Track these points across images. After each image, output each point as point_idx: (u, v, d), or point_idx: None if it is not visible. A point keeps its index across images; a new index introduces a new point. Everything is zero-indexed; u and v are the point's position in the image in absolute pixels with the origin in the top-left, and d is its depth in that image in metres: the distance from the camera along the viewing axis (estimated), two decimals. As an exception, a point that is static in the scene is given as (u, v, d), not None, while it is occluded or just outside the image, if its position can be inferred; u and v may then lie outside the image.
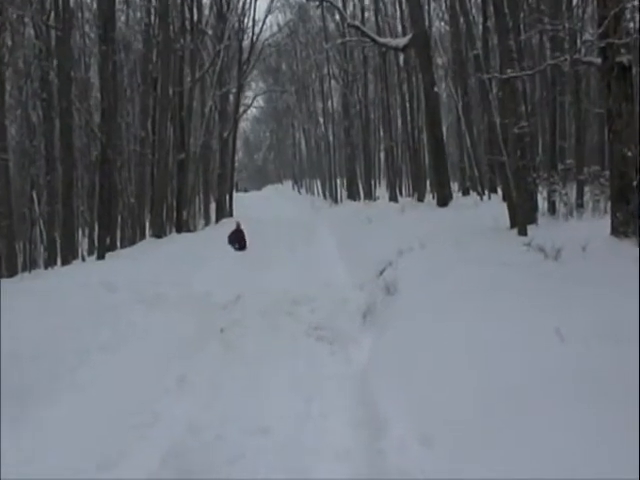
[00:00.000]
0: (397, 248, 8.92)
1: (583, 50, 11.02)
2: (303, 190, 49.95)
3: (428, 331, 5.00)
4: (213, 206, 28.39)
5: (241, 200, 32.46)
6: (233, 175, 28.15)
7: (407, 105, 26.51)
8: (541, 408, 3.13)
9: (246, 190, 57.12)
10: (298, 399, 4.95)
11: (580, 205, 11.09)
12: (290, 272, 10.85)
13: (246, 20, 29.00)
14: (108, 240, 14.42)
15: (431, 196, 24.91)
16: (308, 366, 5.82)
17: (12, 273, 13.73)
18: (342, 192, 34.95)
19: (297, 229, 17.47)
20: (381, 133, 36.89)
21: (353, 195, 31.75)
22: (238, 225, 15.24)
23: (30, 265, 20.01)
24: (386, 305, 6.86)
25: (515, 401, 3.29)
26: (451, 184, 17.93)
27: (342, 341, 6.54)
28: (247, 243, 14.74)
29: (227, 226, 18.08)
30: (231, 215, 24.87)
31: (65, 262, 12.92)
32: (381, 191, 34.17)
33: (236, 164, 45.09)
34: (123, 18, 23.45)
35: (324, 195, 39.40)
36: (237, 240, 14.75)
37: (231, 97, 28.76)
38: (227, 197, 25.76)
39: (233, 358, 6.21)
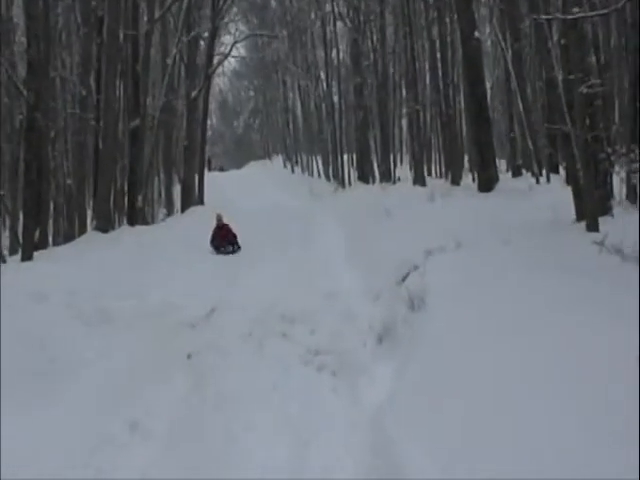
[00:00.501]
0: (424, 248, 8.89)
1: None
2: (298, 169, 48.67)
3: (469, 363, 4.95)
4: (177, 190, 28.15)
5: (216, 182, 31.75)
6: (204, 148, 27.64)
7: (438, 56, 26.33)
8: None
9: (222, 169, 56.32)
10: (290, 454, 4.90)
11: (670, 191, 11.02)
12: (282, 278, 10.83)
13: (222, -60, 28.76)
14: (37, 234, 14.36)
15: (470, 178, 24.78)
16: (305, 406, 5.77)
17: None
18: (351, 172, 34.73)
19: (291, 222, 17.55)
20: (403, 93, 36.63)
21: (366, 176, 31.66)
22: (220, 219, 15.16)
23: None
24: (410, 324, 6.85)
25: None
26: (497, 162, 17.76)
27: (350, 372, 6.54)
28: (239, 241, 14.79)
29: (196, 217, 17.77)
30: (202, 202, 24.62)
31: (-21, 264, 12.88)
32: (403, 171, 33.92)
33: (209, 134, 44.38)
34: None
35: (327, 176, 39.03)
36: (226, 239, 14.76)
37: (202, 44, 28.66)
38: (196, 178, 25.57)
39: (204, 396, 6.11)
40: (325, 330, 7.69)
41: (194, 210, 22.15)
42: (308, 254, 13.26)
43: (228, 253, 14.46)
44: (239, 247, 14.75)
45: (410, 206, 14.42)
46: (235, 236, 14.83)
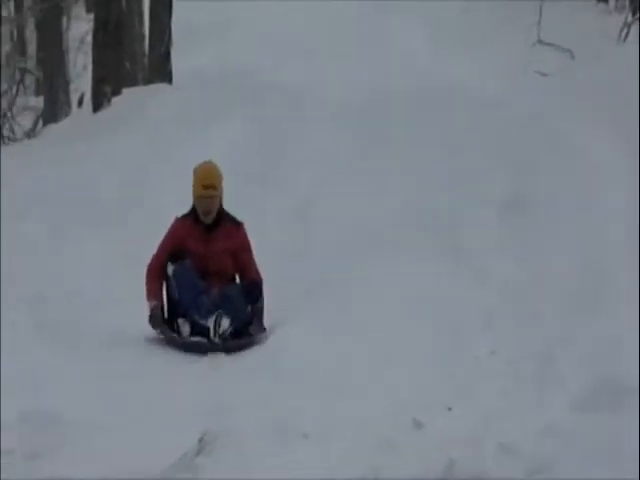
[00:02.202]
0: None
1: None
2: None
3: None
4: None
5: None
6: None
7: None
8: None
9: None
10: None
11: None
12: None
13: None
14: None
15: None
16: None
17: None
18: None
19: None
20: None
21: None
22: (208, 195, 4.86)
23: None
24: None
25: None
26: None
27: None
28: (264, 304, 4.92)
29: (147, 140, 7.41)
30: (167, 76, 9.59)
31: None
32: None
33: None
34: None
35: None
36: (211, 295, 4.77)
37: None
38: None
39: None
40: None
41: (140, 102, 8.50)
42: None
43: (207, 339, 4.56)
44: (259, 328, 4.76)
45: None
46: (254, 285, 4.87)
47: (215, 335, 4.49)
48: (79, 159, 7.29)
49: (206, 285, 4.70)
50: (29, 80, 14.24)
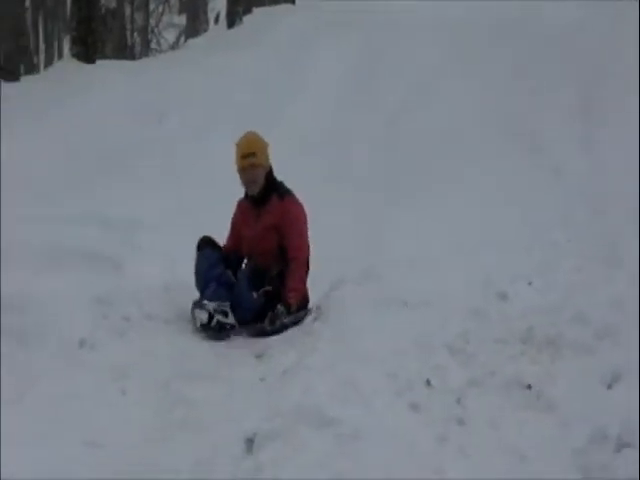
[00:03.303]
0: None
1: None
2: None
3: None
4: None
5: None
6: None
7: None
8: None
9: None
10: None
11: None
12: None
13: None
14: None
15: None
16: None
17: None
18: None
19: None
20: None
21: None
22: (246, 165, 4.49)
23: None
24: None
25: None
26: None
27: None
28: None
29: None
30: None
31: None
32: None
33: None
34: None
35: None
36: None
37: None
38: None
39: None
40: None
41: (267, 20, 9.36)
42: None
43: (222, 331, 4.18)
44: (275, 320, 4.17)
45: None
46: (255, 269, 4.39)
47: (203, 326, 4.14)
48: (215, 69, 8.47)
49: (220, 271, 4.32)
50: (173, 0, 15.77)
